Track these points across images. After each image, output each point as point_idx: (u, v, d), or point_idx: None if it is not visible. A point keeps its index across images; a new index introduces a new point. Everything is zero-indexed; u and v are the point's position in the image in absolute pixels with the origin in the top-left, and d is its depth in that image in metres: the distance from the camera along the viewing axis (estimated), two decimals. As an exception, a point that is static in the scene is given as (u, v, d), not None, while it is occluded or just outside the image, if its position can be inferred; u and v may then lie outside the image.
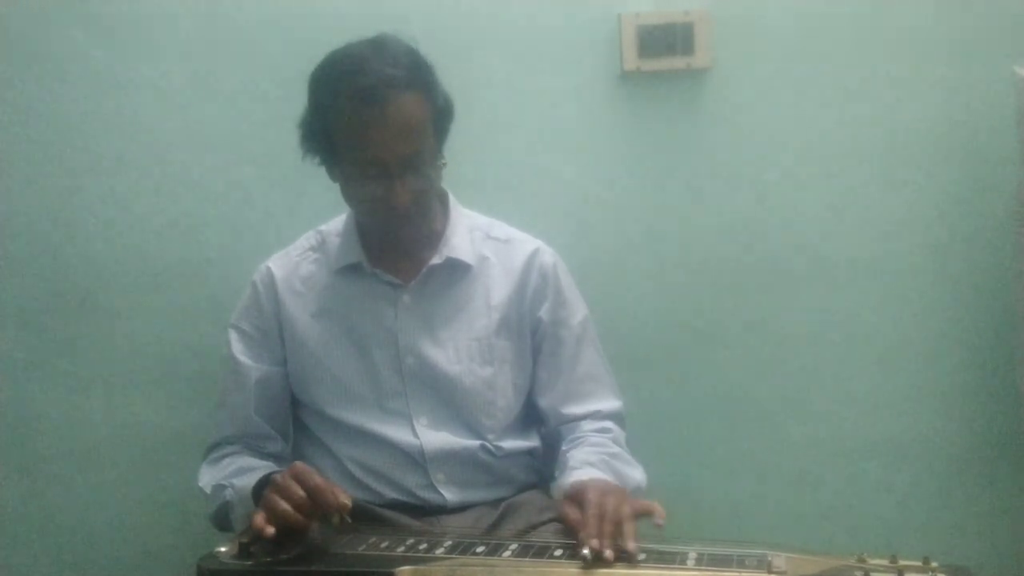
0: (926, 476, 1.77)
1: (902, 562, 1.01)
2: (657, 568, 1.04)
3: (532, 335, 1.46)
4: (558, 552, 1.09)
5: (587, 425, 1.42)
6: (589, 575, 1.04)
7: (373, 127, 1.26)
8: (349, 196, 1.36)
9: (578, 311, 1.48)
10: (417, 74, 1.30)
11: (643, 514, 1.12)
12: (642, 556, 1.05)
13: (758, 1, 1.72)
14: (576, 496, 1.17)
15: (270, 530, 1.11)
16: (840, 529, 1.76)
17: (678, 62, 1.69)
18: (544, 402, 1.45)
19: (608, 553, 1.04)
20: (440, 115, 1.34)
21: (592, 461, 1.30)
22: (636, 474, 1.34)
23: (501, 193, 1.68)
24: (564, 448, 1.39)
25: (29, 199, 1.68)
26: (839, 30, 1.72)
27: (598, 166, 1.74)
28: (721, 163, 1.74)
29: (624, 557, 1.05)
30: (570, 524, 1.14)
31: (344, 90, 1.27)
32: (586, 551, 1.04)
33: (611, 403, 1.46)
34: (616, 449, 1.37)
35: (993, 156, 1.70)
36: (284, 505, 1.13)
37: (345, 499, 1.15)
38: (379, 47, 1.30)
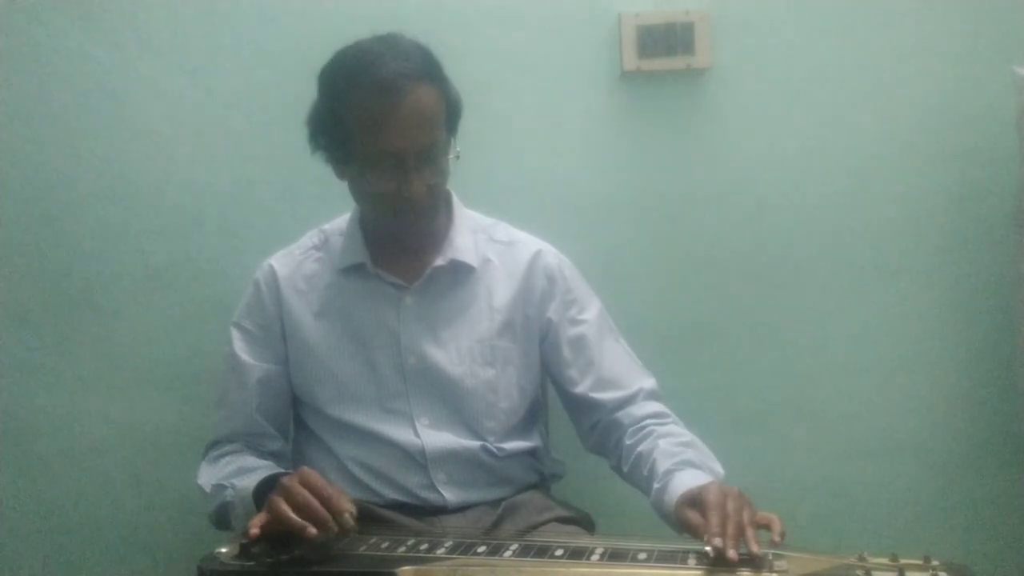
0: (926, 476, 1.77)
1: (903, 561, 1.01)
2: (658, 567, 1.04)
3: (542, 338, 1.46)
4: (559, 552, 1.09)
5: (638, 411, 1.41)
6: (588, 574, 1.04)
7: (391, 118, 1.27)
8: (361, 191, 1.36)
9: (592, 305, 1.48)
10: (430, 67, 1.31)
11: (762, 525, 1.10)
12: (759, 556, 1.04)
13: (758, 1, 1.72)
14: (696, 501, 1.15)
15: (254, 530, 1.11)
16: (841, 528, 1.76)
17: (678, 62, 1.69)
18: (581, 397, 1.44)
19: (732, 553, 1.03)
20: (452, 108, 1.35)
21: (688, 459, 1.27)
22: (717, 467, 1.31)
23: (501, 193, 1.68)
24: (629, 443, 1.38)
25: (29, 199, 1.68)
26: (839, 30, 1.72)
27: (598, 166, 1.74)
28: (721, 163, 1.74)
29: (749, 561, 1.03)
30: (692, 528, 1.13)
31: (360, 83, 1.27)
32: (709, 548, 1.04)
33: (648, 381, 1.46)
34: (689, 436, 1.36)
35: (993, 156, 1.70)
36: (290, 511, 1.13)
37: (350, 505, 1.14)
38: (391, 43, 1.31)
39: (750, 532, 1.06)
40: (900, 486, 1.77)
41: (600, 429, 1.44)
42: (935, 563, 1.01)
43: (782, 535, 1.08)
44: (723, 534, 1.05)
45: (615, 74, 1.72)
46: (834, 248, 1.75)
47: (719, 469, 1.30)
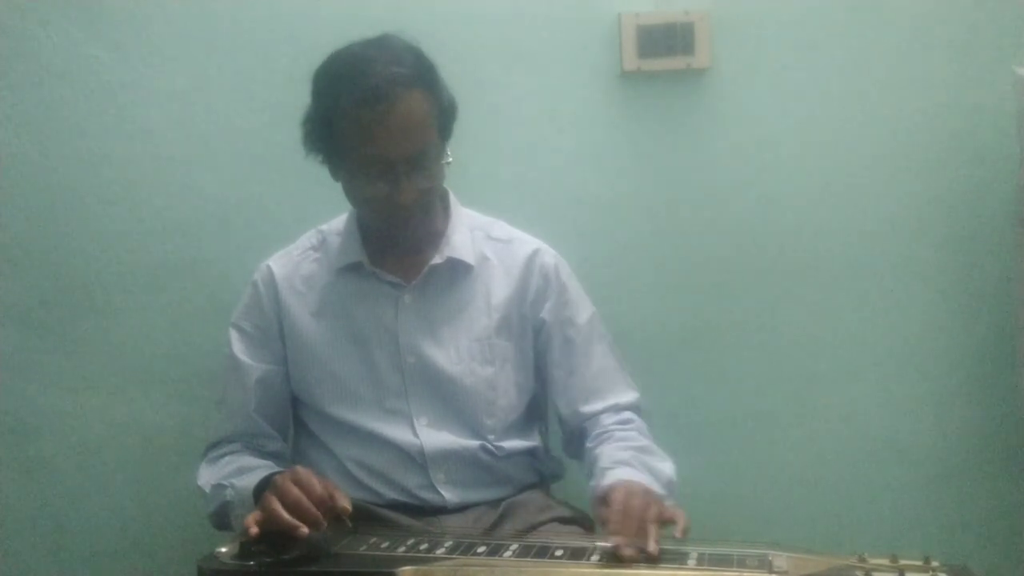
0: (926, 476, 1.77)
1: (902, 562, 1.01)
2: (658, 568, 1.04)
3: (535, 336, 1.46)
4: (559, 552, 1.10)
5: (607, 419, 1.42)
6: (588, 574, 1.04)
7: (379, 126, 1.27)
8: (353, 195, 1.36)
9: (584, 309, 1.48)
10: (422, 72, 1.31)
11: (668, 521, 1.12)
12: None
13: (758, 1, 1.72)
14: (605, 497, 1.18)
15: (253, 529, 1.12)
16: (840, 529, 1.75)
17: (678, 62, 1.69)
18: (562, 403, 1.45)
19: (627, 550, 1.05)
20: (444, 113, 1.35)
21: (624, 459, 1.30)
22: (667, 468, 1.33)
23: (501, 193, 1.68)
24: (590, 446, 1.39)
25: (29, 199, 1.68)
26: (839, 30, 1.72)
27: (598, 166, 1.74)
28: (721, 163, 1.74)
29: (646, 558, 1.06)
30: (600, 524, 1.16)
31: (350, 89, 1.27)
32: (606, 546, 1.06)
33: (628, 395, 1.46)
34: (644, 442, 1.37)
35: (993, 156, 1.70)
36: (282, 510, 1.13)
37: (345, 503, 1.15)
38: (383, 46, 1.31)
39: (651, 530, 1.09)
40: (900, 486, 1.77)
41: (576, 436, 1.46)
42: (935, 564, 1.01)
43: (684, 531, 1.11)
44: (620, 532, 1.08)
45: (615, 74, 1.72)
46: (834, 248, 1.75)
47: (666, 471, 1.33)
